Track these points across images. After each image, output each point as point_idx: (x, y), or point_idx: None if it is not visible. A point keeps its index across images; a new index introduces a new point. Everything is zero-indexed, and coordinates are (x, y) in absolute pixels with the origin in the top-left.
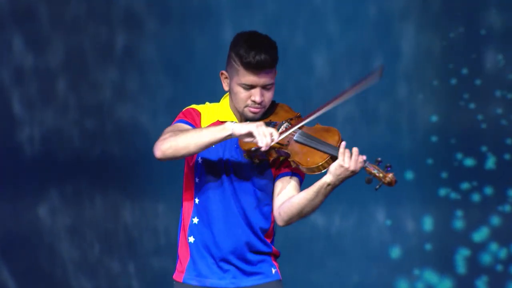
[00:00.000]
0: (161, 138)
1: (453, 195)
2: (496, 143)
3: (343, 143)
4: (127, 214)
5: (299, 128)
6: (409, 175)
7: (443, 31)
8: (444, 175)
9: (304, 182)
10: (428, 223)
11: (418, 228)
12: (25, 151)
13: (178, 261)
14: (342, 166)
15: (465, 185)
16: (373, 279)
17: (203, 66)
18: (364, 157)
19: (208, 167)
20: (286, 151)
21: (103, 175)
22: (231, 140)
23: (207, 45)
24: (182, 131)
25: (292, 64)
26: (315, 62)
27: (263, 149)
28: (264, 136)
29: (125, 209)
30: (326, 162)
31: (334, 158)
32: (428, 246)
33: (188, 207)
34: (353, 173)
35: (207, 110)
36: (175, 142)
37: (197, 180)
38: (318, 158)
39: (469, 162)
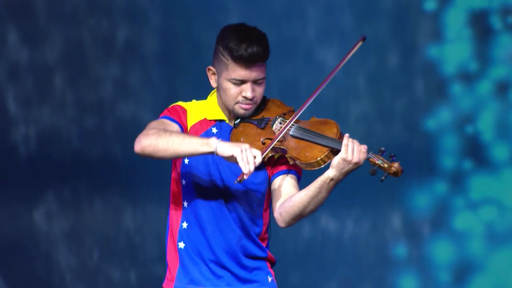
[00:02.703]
0: (145, 132)
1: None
2: None
3: (347, 134)
4: (129, 218)
5: (294, 122)
6: (425, 177)
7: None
8: (461, 177)
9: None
10: (445, 236)
11: (436, 232)
12: (20, 152)
13: (168, 269)
14: (345, 160)
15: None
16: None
17: (208, 61)
18: (365, 147)
19: (196, 168)
20: (283, 147)
21: (103, 176)
22: (219, 138)
23: (212, 39)
24: (167, 131)
25: (302, 60)
26: (326, 58)
27: (245, 177)
28: (247, 163)
29: (127, 213)
30: (326, 156)
31: (334, 151)
32: (446, 270)
33: (176, 212)
34: (357, 166)
35: (193, 108)
36: (156, 142)
37: (184, 182)
38: (317, 152)
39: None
